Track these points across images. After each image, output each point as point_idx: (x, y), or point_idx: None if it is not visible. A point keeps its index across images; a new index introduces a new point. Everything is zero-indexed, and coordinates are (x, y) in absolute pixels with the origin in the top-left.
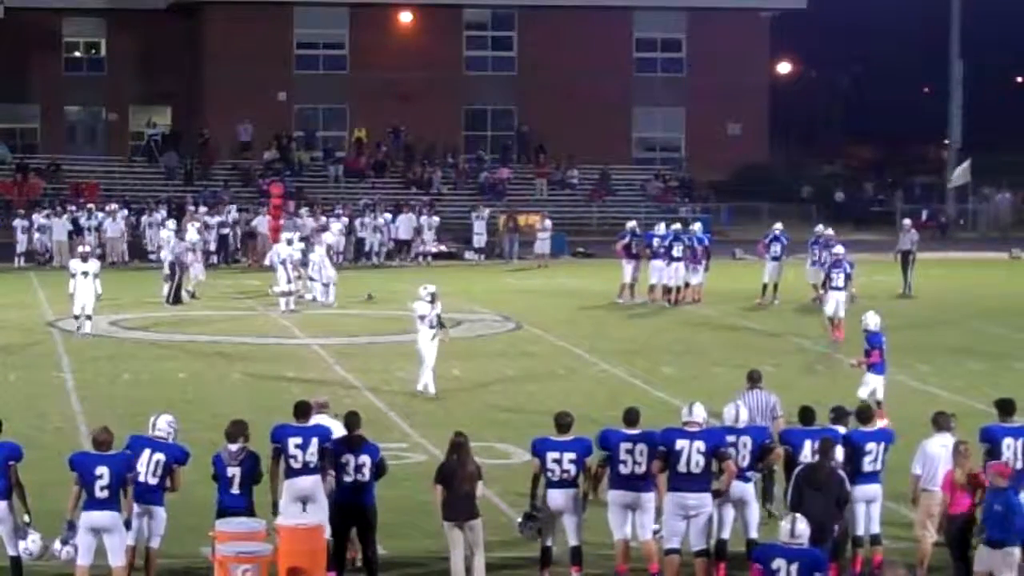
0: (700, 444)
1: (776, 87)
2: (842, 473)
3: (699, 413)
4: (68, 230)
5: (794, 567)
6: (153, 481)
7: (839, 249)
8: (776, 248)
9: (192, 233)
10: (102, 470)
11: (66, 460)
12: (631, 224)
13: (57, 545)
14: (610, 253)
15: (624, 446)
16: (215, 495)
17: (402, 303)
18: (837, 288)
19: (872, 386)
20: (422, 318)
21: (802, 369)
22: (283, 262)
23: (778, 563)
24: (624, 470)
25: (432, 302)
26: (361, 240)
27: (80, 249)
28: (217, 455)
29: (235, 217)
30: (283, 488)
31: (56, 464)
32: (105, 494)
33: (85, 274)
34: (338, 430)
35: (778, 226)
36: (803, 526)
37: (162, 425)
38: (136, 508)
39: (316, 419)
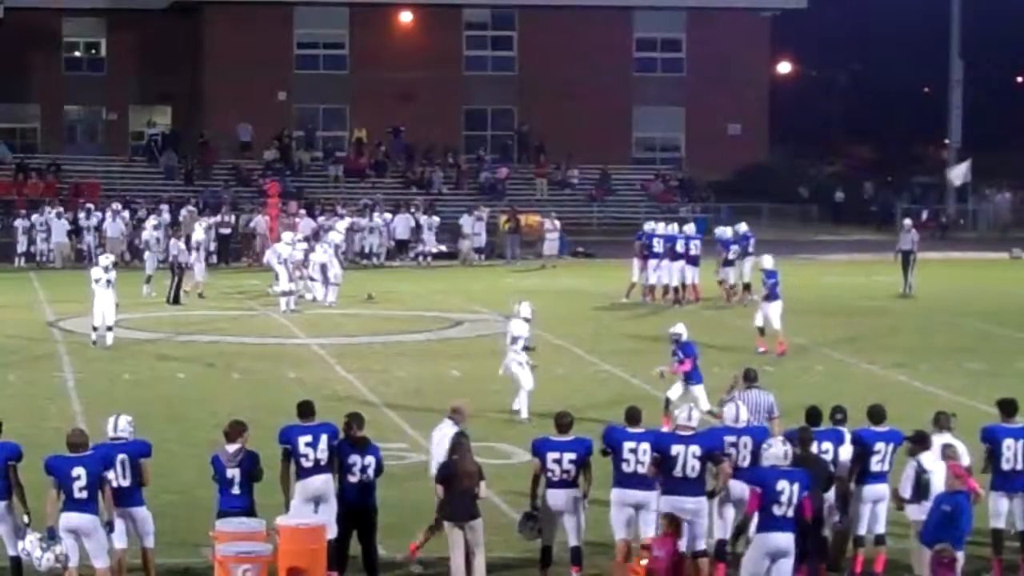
0: (695, 448)
1: (776, 87)
2: (824, 458)
3: (696, 418)
4: (67, 230)
5: (795, 487)
6: (126, 483)
7: (767, 263)
8: (743, 247)
9: (199, 233)
10: (79, 471)
11: (42, 465)
12: (649, 225)
13: (38, 552)
14: (610, 253)
15: (627, 444)
16: (215, 496)
17: (402, 303)
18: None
19: (685, 394)
20: (516, 339)
21: (800, 369)
22: (284, 262)
23: (782, 485)
24: (627, 468)
25: (528, 321)
26: (361, 240)
27: (103, 258)
28: (215, 456)
29: (225, 219)
30: (295, 489)
31: None
32: (84, 495)
33: (109, 283)
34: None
35: (743, 226)
36: (790, 448)
37: (123, 425)
38: (117, 512)
39: (442, 426)
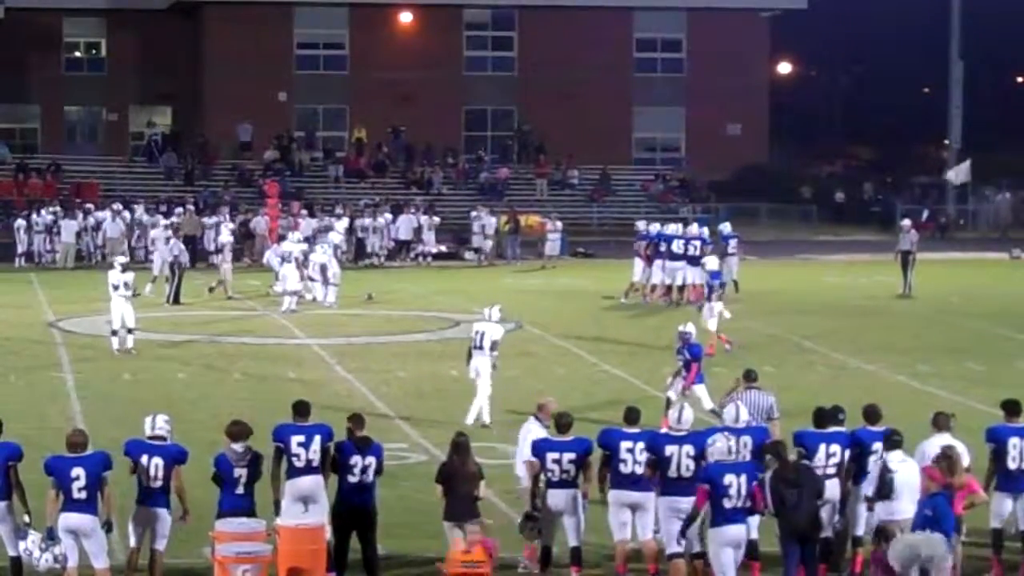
0: (689, 448)
1: (776, 87)
2: (807, 463)
3: (688, 419)
4: (75, 231)
5: (743, 479)
6: (156, 484)
7: (712, 264)
8: (723, 247)
9: (225, 234)
10: (78, 471)
11: (42, 465)
12: (653, 226)
13: (36, 552)
14: (610, 253)
15: (624, 445)
16: (217, 496)
17: (402, 303)
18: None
19: (698, 396)
20: (495, 344)
21: (802, 369)
22: (292, 261)
23: (729, 479)
24: (624, 469)
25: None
26: (361, 240)
27: (119, 260)
28: (221, 456)
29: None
30: (284, 488)
31: None
32: (83, 495)
33: (127, 285)
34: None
35: (727, 226)
36: (734, 443)
37: (160, 424)
38: (141, 508)
39: (528, 425)
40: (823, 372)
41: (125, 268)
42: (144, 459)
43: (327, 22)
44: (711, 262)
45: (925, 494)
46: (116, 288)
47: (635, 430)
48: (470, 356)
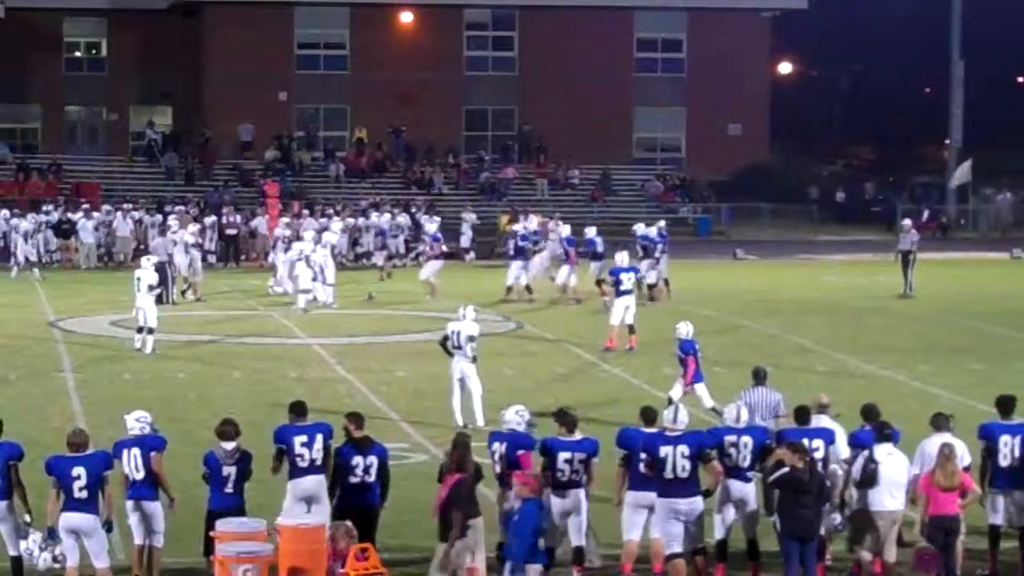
0: (684, 448)
1: (776, 87)
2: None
3: (683, 419)
4: (64, 230)
5: (503, 447)
6: (139, 476)
7: (622, 259)
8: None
9: (333, 237)
10: (79, 471)
11: (43, 464)
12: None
13: (37, 552)
14: (610, 253)
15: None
16: (207, 494)
17: (402, 304)
18: (627, 292)
19: (687, 393)
20: (472, 339)
21: (801, 369)
22: (304, 260)
23: (495, 447)
24: (644, 470)
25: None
26: (357, 240)
27: (145, 260)
28: (210, 454)
29: (230, 220)
30: (287, 488)
31: None
32: (84, 495)
33: (138, 281)
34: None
35: (660, 224)
36: (514, 416)
37: (132, 423)
38: (131, 505)
39: (817, 420)
40: (823, 372)
41: (144, 264)
42: (124, 454)
43: (327, 22)
44: (620, 257)
45: (518, 497)
46: (138, 287)
47: (654, 430)
48: (449, 354)
